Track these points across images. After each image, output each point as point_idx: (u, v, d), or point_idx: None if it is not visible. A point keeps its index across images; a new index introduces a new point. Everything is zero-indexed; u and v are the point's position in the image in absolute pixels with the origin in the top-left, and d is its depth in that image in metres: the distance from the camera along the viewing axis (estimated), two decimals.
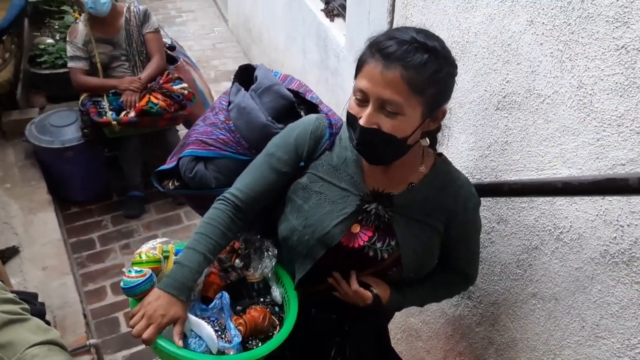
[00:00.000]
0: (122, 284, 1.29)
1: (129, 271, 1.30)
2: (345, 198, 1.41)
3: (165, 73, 3.70)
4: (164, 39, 3.96)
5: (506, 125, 1.54)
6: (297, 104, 1.66)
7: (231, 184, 1.47)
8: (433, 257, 1.46)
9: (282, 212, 1.48)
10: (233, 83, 1.72)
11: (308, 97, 1.66)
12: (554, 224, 1.44)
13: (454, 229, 1.43)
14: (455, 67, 1.25)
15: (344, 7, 3.74)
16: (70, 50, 3.65)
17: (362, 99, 1.22)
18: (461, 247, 1.50)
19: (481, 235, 1.56)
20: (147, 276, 1.28)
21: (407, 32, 1.20)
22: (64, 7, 5.16)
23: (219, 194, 1.46)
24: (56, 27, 4.91)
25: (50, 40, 4.79)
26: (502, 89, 1.53)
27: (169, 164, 1.75)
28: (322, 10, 4.01)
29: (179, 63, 3.95)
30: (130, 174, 3.93)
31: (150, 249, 1.38)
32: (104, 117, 3.54)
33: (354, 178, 1.41)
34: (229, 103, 1.67)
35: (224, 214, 1.41)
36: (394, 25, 2.14)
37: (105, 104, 3.64)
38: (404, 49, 1.16)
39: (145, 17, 3.73)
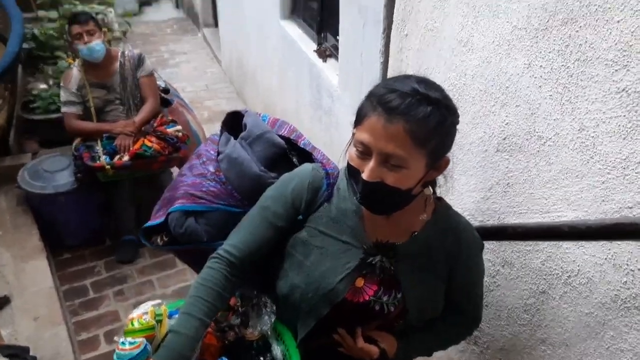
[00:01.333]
0: (115, 357, 1.21)
1: (122, 343, 1.21)
2: (347, 252, 1.37)
3: (160, 116, 3.70)
4: (158, 82, 3.97)
5: (507, 167, 1.52)
6: (289, 150, 1.63)
7: (224, 237, 1.42)
8: (438, 305, 1.42)
9: (280, 267, 1.44)
10: (221, 132, 1.69)
11: (300, 143, 1.63)
12: (562, 267, 1.41)
13: (458, 274, 1.40)
14: (457, 115, 1.24)
15: (336, 47, 3.78)
16: (64, 96, 3.65)
17: (364, 151, 1.19)
18: (465, 291, 1.46)
19: (486, 279, 1.53)
20: (141, 347, 1.21)
21: (408, 83, 1.17)
22: (58, 53, 5.20)
23: (211, 248, 1.41)
24: (50, 72, 4.92)
25: (43, 86, 4.81)
26: (502, 131, 1.51)
27: (157, 219, 1.70)
28: (314, 51, 4.04)
29: (172, 105, 3.96)
30: (123, 218, 3.87)
31: (142, 314, 1.30)
32: (98, 162, 3.50)
33: (354, 230, 1.37)
34: (218, 153, 1.64)
35: (219, 274, 1.35)
36: (388, 68, 2.14)
37: (98, 148, 3.61)
38: (407, 102, 1.13)
39: (139, 61, 3.75)
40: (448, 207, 1.42)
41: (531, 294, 1.53)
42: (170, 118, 3.72)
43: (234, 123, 1.71)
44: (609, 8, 1.14)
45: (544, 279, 1.48)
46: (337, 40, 3.65)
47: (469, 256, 1.40)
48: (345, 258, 1.36)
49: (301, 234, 1.39)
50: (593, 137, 1.24)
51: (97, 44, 3.48)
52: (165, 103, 3.92)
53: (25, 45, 5.08)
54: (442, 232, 1.37)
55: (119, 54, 3.72)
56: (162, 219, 1.66)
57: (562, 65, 1.28)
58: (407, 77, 1.21)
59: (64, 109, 3.65)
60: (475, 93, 1.58)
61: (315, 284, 1.35)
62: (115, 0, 7.28)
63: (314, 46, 4.07)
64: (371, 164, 1.17)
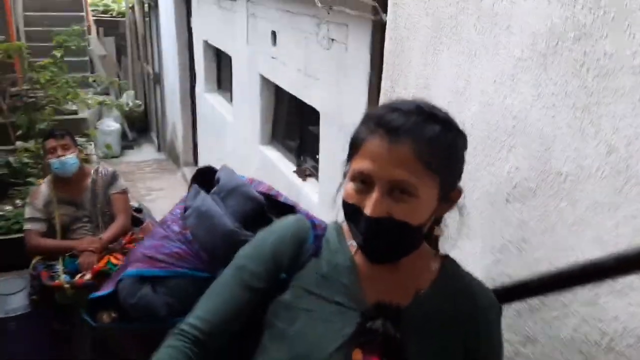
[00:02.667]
0: None
1: None
2: (341, 315, 1.09)
3: (129, 233, 3.50)
4: (131, 202, 3.83)
5: (521, 219, 1.33)
6: (267, 207, 1.42)
7: (188, 311, 1.14)
8: None
9: (257, 344, 1.15)
10: (190, 187, 1.48)
11: (281, 199, 1.43)
12: (600, 329, 1.15)
13: (476, 346, 1.13)
14: (466, 140, 1.08)
15: (316, 168, 3.73)
16: (28, 212, 3.46)
17: (364, 182, 1.00)
18: None
19: None
20: None
21: (410, 103, 1.03)
22: (30, 179, 5.07)
23: (172, 327, 1.14)
24: (19, 193, 4.75)
25: (9, 207, 4.60)
26: (511, 178, 1.34)
27: (106, 289, 1.42)
28: (294, 171, 3.98)
29: (144, 225, 3.76)
30: (81, 350, 3.45)
31: None
32: (56, 280, 3.22)
33: (349, 288, 1.11)
34: (185, 210, 1.42)
35: (181, 353, 1.06)
36: None
37: (59, 267, 3.34)
38: (412, 120, 0.97)
39: (112, 178, 3.64)
40: (457, 265, 1.19)
41: None
42: (141, 236, 3.50)
43: (205, 181, 1.51)
44: (629, 11, 1.04)
45: (579, 350, 1.20)
46: (317, 161, 3.61)
47: (488, 323, 1.14)
48: (340, 323, 1.08)
49: (284, 297, 1.12)
50: (625, 158, 1.07)
51: (70, 158, 3.39)
52: (137, 223, 3.74)
53: None
54: (452, 293, 1.13)
55: (92, 171, 3.61)
56: (111, 289, 1.38)
57: (579, 86, 1.15)
58: (406, 99, 1.06)
59: (26, 226, 3.44)
60: (477, 142, 1.44)
61: (302, 357, 1.07)
62: (97, 140, 7.38)
63: (293, 167, 4.03)
64: (375, 195, 0.97)
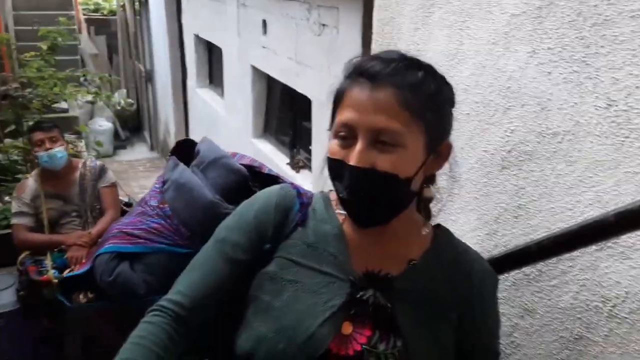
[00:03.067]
0: None
1: None
2: (329, 285, 1.02)
3: None
4: (120, 197, 3.74)
5: (516, 185, 1.26)
6: (251, 180, 1.35)
7: (167, 289, 1.07)
8: (449, 358, 1.06)
9: (241, 319, 1.08)
10: (169, 159, 1.41)
11: (265, 170, 1.36)
12: (602, 295, 1.08)
13: (471, 319, 1.05)
14: (453, 93, 1.02)
15: (309, 159, 3.67)
16: (15, 206, 3.37)
17: (347, 135, 0.93)
18: (480, 345, 1.10)
19: (501, 341, 1.17)
20: None
21: (392, 51, 0.98)
22: (19, 176, 4.98)
23: (151, 306, 1.06)
24: (7, 189, 4.66)
25: None
26: (506, 142, 1.28)
27: (82, 267, 1.35)
28: (287, 164, 3.92)
29: None
30: (71, 352, 3.36)
31: None
32: (44, 275, 3.13)
33: (338, 258, 1.04)
34: (163, 184, 1.34)
35: (160, 330, 0.99)
36: None
37: (47, 262, 3.24)
38: (393, 66, 0.92)
39: (101, 171, 3.55)
40: (450, 234, 1.12)
41: (564, 345, 1.18)
42: None
43: (185, 154, 1.43)
44: None
45: (579, 318, 1.14)
46: (310, 152, 3.55)
47: (483, 295, 1.07)
48: (327, 294, 1.01)
49: (269, 268, 1.05)
50: (625, 110, 1.01)
51: (59, 151, 3.29)
52: None
53: None
54: (445, 263, 1.06)
55: (80, 164, 3.53)
56: (87, 267, 1.31)
57: (576, 37, 1.09)
58: (388, 50, 1.02)
59: (13, 220, 3.35)
60: (471, 107, 1.37)
61: (288, 331, 0.99)
62: (88, 138, 7.30)
63: (287, 160, 3.97)
64: (358, 146, 0.91)
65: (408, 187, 0.96)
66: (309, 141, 3.55)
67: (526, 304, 1.27)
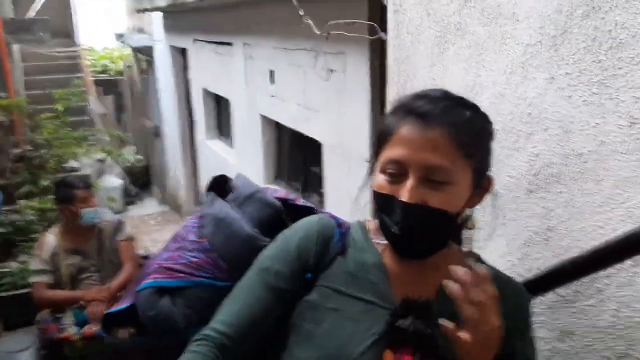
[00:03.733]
0: None
1: None
2: (370, 313, 1.05)
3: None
4: (138, 250, 3.78)
5: (545, 208, 1.28)
6: (285, 213, 1.38)
7: (205, 323, 1.10)
8: None
9: (283, 348, 1.10)
10: (207, 194, 1.45)
11: (299, 202, 1.40)
12: None
13: (507, 340, 1.07)
14: (493, 127, 1.08)
15: (322, 202, 3.70)
16: (34, 264, 3.42)
17: (397, 172, 0.97)
18: None
19: None
20: None
21: (437, 90, 1.04)
22: (35, 235, 5.02)
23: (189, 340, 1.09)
24: (24, 249, 4.70)
25: (14, 264, 4.54)
26: (531, 166, 1.31)
27: (122, 304, 1.38)
28: None
29: None
30: None
31: None
32: (65, 333, 3.14)
33: (378, 286, 1.07)
34: (201, 218, 1.39)
35: (206, 358, 1.02)
36: None
37: (68, 319, 3.27)
38: (443, 105, 0.97)
39: (119, 225, 3.61)
40: (480, 259, 1.15)
41: None
42: None
43: (221, 191, 1.47)
44: None
45: (621, 336, 1.14)
46: (322, 195, 3.59)
47: (520, 314, 1.10)
48: (368, 322, 1.04)
49: (310, 297, 1.08)
50: None
51: (101, 209, 3.38)
52: None
53: (1, 230, 4.95)
54: None
55: None
56: (128, 303, 1.33)
57: (593, 61, 1.13)
58: (431, 88, 1.06)
59: (33, 279, 3.38)
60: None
61: (330, 358, 1.01)
62: (100, 194, 7.37)
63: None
64: (410, 182, 0.95)
65: (455, 221, 1.01)
66: (320, 184, 3.59)
67: (564, 326, 1.27)
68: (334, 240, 1.12)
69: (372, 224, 1.14)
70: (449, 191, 0.96)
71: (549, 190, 1.27)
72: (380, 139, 1.02)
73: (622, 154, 1.10)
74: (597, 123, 1.14)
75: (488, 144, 1.04)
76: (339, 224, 1.15)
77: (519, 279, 1.33)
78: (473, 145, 0.97)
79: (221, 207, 1.35)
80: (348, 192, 3.04)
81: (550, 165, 1.26)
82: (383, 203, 0.99)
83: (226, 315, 1.07)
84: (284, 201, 1.38)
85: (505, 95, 1.36)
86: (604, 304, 1.17)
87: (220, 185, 1.47)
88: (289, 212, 1.37)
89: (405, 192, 0.94)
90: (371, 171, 1.06)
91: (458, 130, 0.95)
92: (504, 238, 1.42)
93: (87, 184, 3.44)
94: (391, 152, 0.97)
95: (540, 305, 1.33)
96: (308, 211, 1.34)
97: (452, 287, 0.90)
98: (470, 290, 0.89)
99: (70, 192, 3.34)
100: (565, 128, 1.21)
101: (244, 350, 1.06)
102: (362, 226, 1.15)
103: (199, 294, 1.28)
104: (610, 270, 1.14)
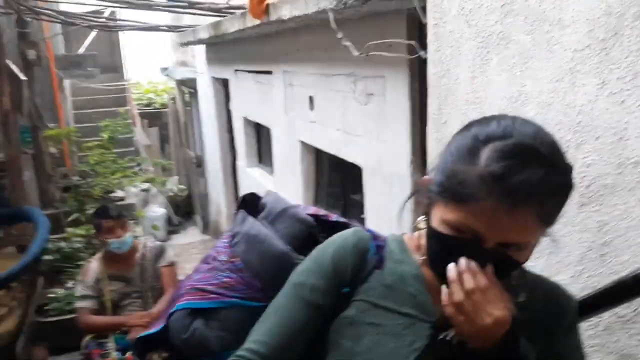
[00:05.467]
0: None
1: None
2: (411, 327, 1.00)
3: None
4: (180, 276, 3.80)
5: (599, 221, 1.21)
6: (318, 231, 1.35)
7: (240, 345, 1.06)
8: None
9: None
10: (236, 214, 1.43)
11: (332, 218, 1.36)
12: None
13: (556, 349, 1.01)
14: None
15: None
16: (79, 290, 3.48)
17: (469, 233, 0.89)
18: None
19: None
20: None
21: (535, 151, 0.86)
22: (81, 262, 5.13)
23: None
24: (70, 275, 4.80)
25: (61, 290, 4.64)
26: (583, 177, 1.24)
27: (156, 326, 1.35)
28: None
29: None
30: None
31: None
32: (108, 358, 3.17)
33: (417, 298, 1.02)
34: (233, 237, 1.36)
35: None
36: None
37: (111, 344, 3.31)
38: (537, 179, 0.84)
39: (161, 251, 3.63)
40: (527, 271, 1.09)
41: None
42: None
43: (252, 209, 1.45)
44: None
45: None
46: (363, 221, 3.54)
47: (566, 316, 1.04)
48: (410, 336, 0.99)
49: (348, 312, 1.04)
50: None
51: (129, 237, 3.41)
52: None
53: (49, 257, 5.07)
54: (528, 290, 1.02)
55: (141, 245, 3.62)
56: (161, 325, 1.31)
57: None
58: (524, 137, 0.87)
59: (78, 304, 3.44)
60: None
61: None
62: (144, 224, 7.51)
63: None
64: (485, 243, 0.88)
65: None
66: (360, 211, 3.54)
67: (624, 349, 1.18)
68: (370, 253, 1.07)
69: (409, 238, 1.09)
70: (524, 252, 0.91)
71: (603, 203, 1.20)
72: (450, 185, 0.89)
73: None
74: None
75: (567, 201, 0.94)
76: (375, 236, 1.11)
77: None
78: (557, 214, 0.90)
79: (252, 225, 1.32)
80: (389, 217, 2.99)
81: (604, 175, 1.19)
82: (454, 246, 0.90)
83: (260, 334, 1.03)
84: (316, 217, 1.35)
85: (553, 104, 1.30)
86: None
87: (251, 204, 1.45)
88: (322, 229, 1.33)
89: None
90: (424, 193, 0.97)
91: (548, 208, 0.87)
92: (555, 255, 1.34)
93: (115, 214, 3.42)
94: (467, 219, 0.87)
95: (595, 328, 1.24)
96: (341, 226, 1.30)
97: (443, 290, 0.90)
98: (464, 280, 0.88)
99: (98, 222, 3.41)
100: (619, 135, 1.14)
101: None
102: (398, 239, 1.10)
103: (233, 315, 1.25)
104: None
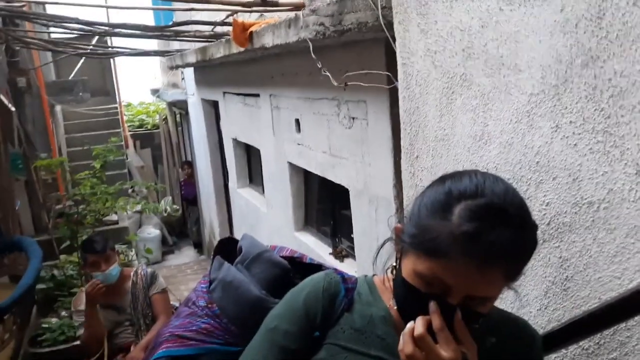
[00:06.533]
0: None
1: None
2: None
3: None
4: (172, 302, 3.81)
5: (560, 257, 1.26)
6: (292, 273, 1.39)
7: None
8: None
9: None
10: (213, 259, 1.47)
11: (306, 260, 1.40)
12: None
13: None
14: None
15: (351, 247, 3.69)
16: (77, 319, 3.51)
17: (437, 285, 0.93)
18: None
19: None
20: None
21: (505, 212, 0.89)
22: (74, 290, 5.14)
23: None
24: (63, 304, 4.81)
25: (54, 320, 4.64)
26: (543, 215, 1.29)
27: None
28: (330, 253, 3.95)
29: None
30: None
31: None
32: None
33: (385, 340, 1.06)
34: (210, 284, 1.40)
35: None
36: (403, 200, 1.98)
37: None
38: (512, 242, 0.88)
39: (152, 278, 3.65)
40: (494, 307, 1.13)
41: None
42: None
43: (228, 253, 1.49)
44: (629, 28, 1.03)
45: None
46: (352, 240, 3.58)
47: (524, 349, 1.09)
48: None
49: (319, 356, 1.08)
50: None
51: (112, 269, 3.38)
52: None
53: (42, 285, 5.07)
54: (487, 331, 1.06)
55: (132, 273, 3.63)
56: None
57: (595, 109, 1.12)
58: (488, 192, 0.92)
59: (79, 332, 3.46)
60: None
61: None
62: (137, 246, 7.52)
63: (329, 250, 4.01)
64: (453, 295, 0.93)
65: None
66: (349, 229, 3.59)
67: None
68: (340, 296, 1.12)
69: (379, 279, 1.14)
70: (487, 304, 0.96)
71: (563, 240, 1.24)
72: (423, 239, 0.93)
73: (632, 202, 1.07)
74: (605, 171, 1.12)
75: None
76: (345, 279, 1.15)
77: (540, 330, 1.30)
78: (521, 271, 0.95)
79: (228, 271, 1.36)
80: (377, 237, 3.03)
81: (562, 214, 1.24)
82: (421, 299, 0.94)
83: None
84: (291, 260, 1.39)
85: (513, 144, 1.35)
86: (627, 357, 1.13)
87: (228, 247, 1.49)
88: (297, 271, 1.37)
89: (448, 298, 0.92)
90: (397, 244, 1.03)
91: (514, 267, 0.93)
92: (523, 288, 1.38)
93: (99, 248, 3.36)
94: (438, 272, 0.91)
95: (563, 359, 1.28)
96: (316, 268, 1.35)
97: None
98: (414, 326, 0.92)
99: (84, 256, 3.42)
100: (574, 176, 1.19)
101: None
102: (368, 281, 1.15)
103: None
104: (631, 322, 1.10)
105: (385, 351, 1.05)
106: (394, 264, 1.05)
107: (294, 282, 1.32)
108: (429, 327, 0.92)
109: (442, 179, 0.99)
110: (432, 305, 0.93)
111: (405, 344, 0.93)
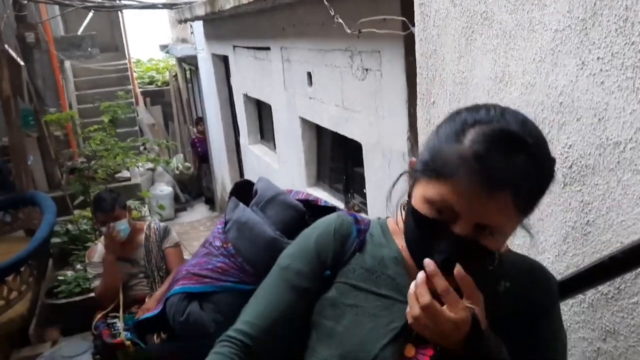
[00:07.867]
0: None
1: None
2: (389, 308, 1.03)
3: None
4: (185, 257, 3.84)
5: (582, 201, 1.22)
6: (308, 216, 1.38)
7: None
8: None
9: (305, 347, 1.09)
10: (229, 200, 1.46)
11: (321, 202, 1.38)
12: None
13: (536, 331, 1.03)
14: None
15: (364, 203, 3.67)
16: (91, 271, 3.53)
17: (447, 211, 0.90)
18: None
19: None
20: None
21: (519, 138, 0.86)
22: (89, 244, 5.20)
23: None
24: (78, 258, 4.87)
25: (70, 273, 4.71)
26: (565, 158, 1.24)
27: (154, 310, 1.40)
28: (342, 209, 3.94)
29: None
30: None
31: None
32: (118, 338, 3.22)
33: (396, 280, 1.04)
34: (225, 224, 1.39)
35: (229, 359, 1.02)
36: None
37: (119, 325, 3.35)
38: (522, 168, 0.85)
39: (165, 232, 3.66)
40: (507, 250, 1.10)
41: None
42: None
43: (244, 195, 1.48)
44: None
45: None
46: (364, 195, 3.56)
47: (547, 304, 1.04)
48: (388, 317, 1.02)
49: (329, 294, 1.07)
50: None
51: (121, 224, 3.38)
52: None
53: (57, 240, 5.13)
54: (501, 275, 1.03)
55: (145, 226, 3.64)
56: (158, 309, 1.35)
57: (626, 43, 1.06)
58: (509, 127, 0.88)
59: (93, 284, 3.48)
60: None
61: (352, 354, 1.00)
62: (150, 203, 7.57)
63: (342, 205, 3.98)
64: (461, 223, 0.89)
65: (496, 255, 0.96)
66: (362, 185, 3.56)
67: (607, 326, 1.20)
68: (352, 236, 1.10)
69: (393, 221, 1.11)
70: (500, 238, 0.92)
71: (585, 183, 1.20)
72: (437, 166, 0.90)
73: None
74: (633, 109, 1.07)
75: (547, 190, 0.94)
76: (357, 220, 1.13)
77: (557, 277, 1.27)
78: (534, 204, 0.91)
79: (243, 212, 1.35)
80: (390, 193, 3.01)
81: (585, 156, 1.19)
82: (428, 227, 0.92)
83: (248, 316, 1.07)
84: (306, 202, 1.37)
85: (536, 84, 1.29)
86: None
87: (244, 190, 1.48)
88: (312, 214, 1.35)
89: (457, 227, 0.89)
90: (411, 177, 0.99)
91: (524, 195, 0.87)
92: (541, 235, 1.35)
93: (108, 207, 3.34)
94: (447, 195, 0.88)
95: (581, 305, 1.26)
96: (329, 210, 1.33)
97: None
98: (418, 295, 0.90)
99: (95, 213, 3.43)
100: (599, 116, 1.14)
101: (267, 349, 1.05)
102: (382, 223, 1.13)
103: (227, 298, 1.28)
104: None
105: (396, 291, 1.03)
106: (405, 199, 1.02)
107: (309, 225, 1.31)
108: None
109: (458, 111, 0.96)
110: (430, 265, 0.90)
111: (412, 307, 0.91)
